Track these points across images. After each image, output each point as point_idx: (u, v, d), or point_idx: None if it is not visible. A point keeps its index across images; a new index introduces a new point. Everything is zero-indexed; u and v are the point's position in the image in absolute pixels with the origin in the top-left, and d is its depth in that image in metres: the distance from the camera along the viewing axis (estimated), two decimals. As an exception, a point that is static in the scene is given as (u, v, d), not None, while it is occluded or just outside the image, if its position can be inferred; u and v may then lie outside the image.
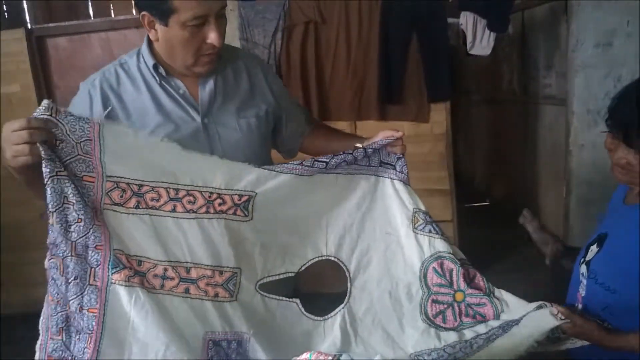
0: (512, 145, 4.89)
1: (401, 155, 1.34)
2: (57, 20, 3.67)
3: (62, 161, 1.03)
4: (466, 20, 3.38)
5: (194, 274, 1.16)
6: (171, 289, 1.13)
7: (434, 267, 1.29)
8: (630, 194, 1.28)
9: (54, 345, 1.06)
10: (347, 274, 1.32)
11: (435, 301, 1.27)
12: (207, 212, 1.17)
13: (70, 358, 1.06)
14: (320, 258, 1.32)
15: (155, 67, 1.25)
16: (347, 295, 1.31)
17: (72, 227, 1.05)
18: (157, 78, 1.26)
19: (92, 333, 1.04)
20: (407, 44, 3.19)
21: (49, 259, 1.05)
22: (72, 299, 1.05)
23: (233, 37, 3.23)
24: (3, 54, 3.39)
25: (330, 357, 1.18)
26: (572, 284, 1.35)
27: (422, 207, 1.34)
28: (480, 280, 1.29)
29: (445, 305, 1.26)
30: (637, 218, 1.18)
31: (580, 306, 1.25)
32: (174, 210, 1.15)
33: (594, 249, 1.28)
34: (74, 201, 1.03)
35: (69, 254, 1.04)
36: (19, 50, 3.40)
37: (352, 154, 1.28)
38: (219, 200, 1.18)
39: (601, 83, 3.35)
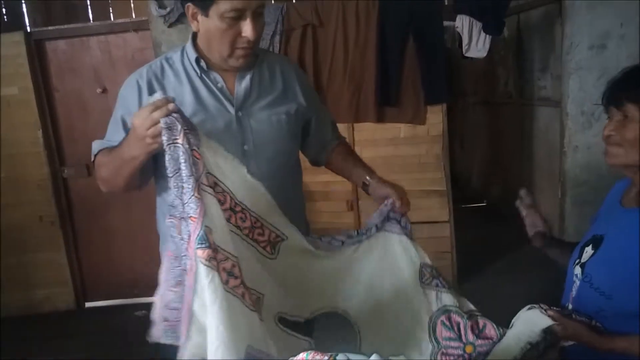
0: (507, 146, 4.93)
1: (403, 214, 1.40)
2: (56, 24, 3.68)
3: (179, 130, 1.06)
4: (462, 23, 3.40)
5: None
6: (233, 288, 1.09)
7: (442, 321, 1.30)
8: (627, 196, 1.26)
9: (172, 296, 1.08)
10: (357, 332, 1.35)
11: (445, 354, 1.27)
12: (247, 235, 1.21)
13: None
14: (330, 310, 1.36)
15: (197, 60, 1.35)
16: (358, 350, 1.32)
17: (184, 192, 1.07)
18: (198, 71, 1.35)
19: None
20: (404, 47, 3.22)
21: (168, 219, 1.08)
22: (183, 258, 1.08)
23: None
24: (2, 57, 3.40)
25: (326, 357, 1.20)
26: (567, 285, 1.34)
27: (428, 262, 1.38)
28: (491, 328, 1.26)
29: (455, 357, 1.26)
30: (636, 222, 1.15)
31: (570, 306, 1.25)
32: (228, 220, 1.16)
33: (588, 250, 1.26)
34: (184, 168, 1.05)
35: (185, 216, 1.07)
36: (18, 53, 3.42)
37: (365, 234, 1.36)
38: (259, 230, 1.24)
39: (595, 85, 3.39)
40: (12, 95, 3.47)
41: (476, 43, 3.43)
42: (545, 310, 1.11)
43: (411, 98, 3.28)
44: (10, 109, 3.47)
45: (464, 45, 3.45)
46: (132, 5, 4.03)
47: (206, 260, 1.02)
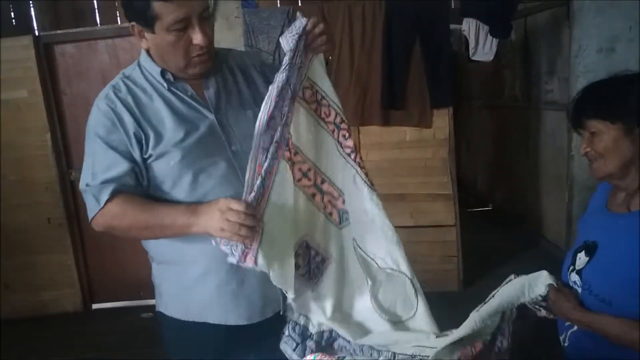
0: (514, 150, 4.90)
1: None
2: (64, 28, 3.71)
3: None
4: (469, 26, 3.40)
5: (325, 187, 1.34)
6: (303, 187, 1.30)
7: None
8: (614, 201, 1.29)
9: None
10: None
11: None
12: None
13: None
14: None
15: (162, 73, 1.30)
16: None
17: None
18: (165, 84, 1.30)
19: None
20: (410, 50, 3.22)
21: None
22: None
23: (238, 44, 3.27)
24: (11, 61, 3.43)
25: (334, 359, 1.23)
26: None
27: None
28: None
29: None
30: (628, 228, 1.19)
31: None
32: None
33: (582, 257, 1.28)
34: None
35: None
36: (27, 57, 3.45)
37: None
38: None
39: (603, 89, 3.36)
40: (22, 98, 3.50)
41: (483, 46, 3.43)
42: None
43: (417, 101, 3.28)
44: (20, 112, 3.50)
45: (470, 48, 3.45)
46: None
47: (285, 159, 1.22)
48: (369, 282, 1.35)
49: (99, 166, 1.26)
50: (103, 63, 3.52)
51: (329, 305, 1.34)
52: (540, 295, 1.18)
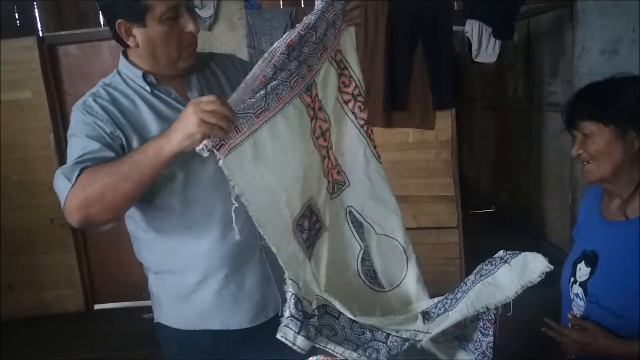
0: (517, 152, 4.89)
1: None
2: (68, 29, 3.73)
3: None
4: (472, 27, 3.40)
5: (330, 154, 1.35)
6: (320, 147, 1.31)
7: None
8: (609, 208, 1.27)
9: None
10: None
11: None
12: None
13: None
14: None
15: (144, 76, 1.27)
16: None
17: None
18: (148, 88, 1.27)
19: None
20: (413, 52, 3.22)
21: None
22: None
23: (240, 45, 3.27)
24: (15, 61, 3.45)
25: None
26: (565, 302, 1.33)
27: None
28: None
29: None
30: (629, 236, 1.17)
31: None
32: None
33: (583, 267, 1.26)
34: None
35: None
36: (31, 58, 3.47)
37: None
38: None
39: (606, 90, 3.36)
40: (26, 99, 3.52)
41: (486, 48, 3.42)
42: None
43: (420, 103, 3.28)
44: (24, 112, 3.52)
45: (473, 50, 3.44)
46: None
47: (307, 104, 1.26)
48: (362, 247, 1.38)
49: (77, 153, 1.18)
50: (106, 64, 3.53)
51: (322, 275, 1.32)
52: (530, 282, 1.14)
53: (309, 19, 1.24)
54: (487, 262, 1.21)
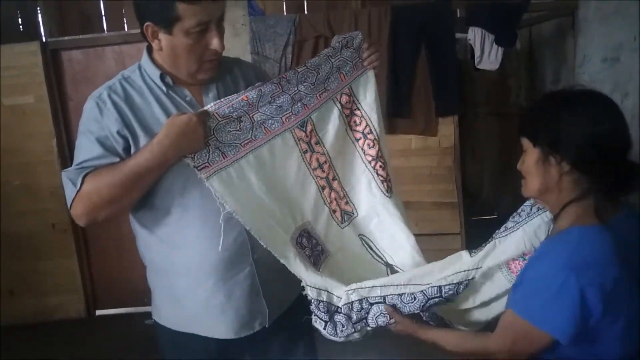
0: (519, 158, 4.88)
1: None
2: (71, 34, 3.73)
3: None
4: (474, 35, 3.41)
5: (335, 184, 1.43)
6: (317, 177, 1.39)
7: None
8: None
9: None
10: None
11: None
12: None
13: None
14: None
15: (162, 77, 1.28)
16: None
17: None
18: (164, 88, 1.29)
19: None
20: (416, 58, 3.23)
21: None
22: None
23: (244, 51, 3.28)
24: (18, 67, 3.45)
25: None
26: None
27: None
28: None
29: None
30: (538, 251, 1.15)
31: None
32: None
33: None
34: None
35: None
36: (34, 63, 3.47)
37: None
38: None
39: (608, 98, 3.36)
40: (28, 104, 3.51)
41: (488, 55, 3.43)
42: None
43: (423, 109, 3.28)
44: (26, 117, 3.52)
45: (476, 57, 3.45)
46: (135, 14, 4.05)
47: (299, 138, 1.36)
48: (386, 266, 1.41)
49: (82, 157, 1.25)
50: (110, 69, 3.53)
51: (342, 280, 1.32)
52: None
53: (313, 60, 1.36)
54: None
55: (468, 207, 3.68)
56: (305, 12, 3.93)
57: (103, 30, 3.90)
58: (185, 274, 1.32)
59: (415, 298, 1.21)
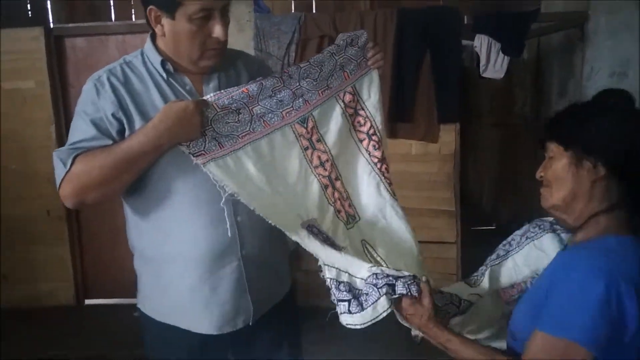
0: (521, 169, 4.86)
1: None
2: (79, 21, 3.73)
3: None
4: (480, 42, 3.38)
5: (338, 184, 1.38)
6: (319, 175, 1.35)
7: None
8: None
9: None
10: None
11: None
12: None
13: None
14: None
15: (163, 63, 1.28)
16: None
17: None
18: (165, 75, 1.28)
19: None
20: (420, 63, 3.20)
21: None
22: None
23: (248, 47, 3.26)
24: (20, 51, 3.45)
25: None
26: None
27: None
28: None
29: None
30: (552, 265, 1.10)
31: None
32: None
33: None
34: None
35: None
36: (36, 48, 3.46)
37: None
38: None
39: (614, 113, 3.32)
40: (29, 89, 3.50)
41: (494, 64, 3.41)
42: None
43: (424, 115, 3.25)
44: (26, 103, 3.51)
45: (481, 65, 3.43)
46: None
47: (299, 134, 1.32)
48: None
49: (75, 138, 1.23)
50: (112, 58, 3.41)
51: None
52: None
53: (317, 56, 1.34)
54: (534, 224, 1.18)
55: (467, 217, 3.65)
56: (313, 10, 3.92)
57: (110, 19, 3.88)
58: (172, 262, 1.30)
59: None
